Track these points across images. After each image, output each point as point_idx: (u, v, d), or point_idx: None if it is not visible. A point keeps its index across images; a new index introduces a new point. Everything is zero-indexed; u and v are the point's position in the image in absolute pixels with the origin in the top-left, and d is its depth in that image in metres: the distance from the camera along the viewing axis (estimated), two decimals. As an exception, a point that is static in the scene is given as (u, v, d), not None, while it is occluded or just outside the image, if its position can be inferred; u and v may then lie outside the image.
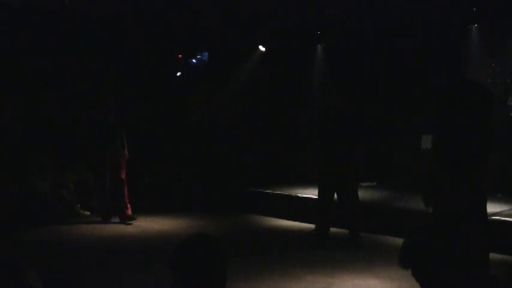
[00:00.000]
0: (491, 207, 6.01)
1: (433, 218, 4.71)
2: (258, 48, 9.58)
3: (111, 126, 7.80)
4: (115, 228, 7.49)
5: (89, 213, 8.23)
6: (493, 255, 4.77)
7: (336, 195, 6.78)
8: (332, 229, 6.94)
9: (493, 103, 4.59)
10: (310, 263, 5.80)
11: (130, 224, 7.71)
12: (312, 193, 7.71)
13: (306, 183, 8.93)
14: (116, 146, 7.81)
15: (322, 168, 6.87)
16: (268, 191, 8.96)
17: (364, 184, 8.57)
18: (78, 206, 8.27)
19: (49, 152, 8.39)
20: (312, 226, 7.12)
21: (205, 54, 11.07)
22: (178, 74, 11.17)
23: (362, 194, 7.27)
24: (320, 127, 6.95)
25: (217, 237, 2.34)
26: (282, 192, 8.76)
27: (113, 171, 7.77)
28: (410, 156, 8.82)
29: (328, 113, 6.81)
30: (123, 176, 7.85)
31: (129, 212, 7.89)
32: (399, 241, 2.83)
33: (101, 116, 7.79)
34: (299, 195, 8.37)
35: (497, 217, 6.22)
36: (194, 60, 11.07)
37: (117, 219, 7.80)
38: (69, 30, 8.90)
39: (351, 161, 6.67)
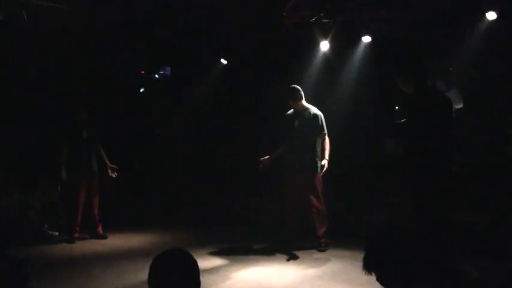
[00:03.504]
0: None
1: (398, 220, 4.87)
2: (220, 61, 9.63)
3: (84, 141, 7.73)
4: (84, 246, 7.42)
5: (57, 233, 8.08)
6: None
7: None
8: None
9: (452, 111, 4.81)
10: (279, 271, 5.91)
11: (104, 238, 7.75)
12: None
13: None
14: (90, 161, 7.75)
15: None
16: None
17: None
18: (46, 226, 8.14)
19: (15, 170, 8.25)
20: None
21: (167, 69, 11.08)
22: (142, 90, 11.14)
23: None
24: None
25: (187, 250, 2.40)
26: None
27: (86, 188, 7.71)
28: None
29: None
30: (96, 192, 7.81)
31: (100, 230, 7.87)
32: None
33: (74, 131, 7.71)
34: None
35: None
36: (157, 76, 11.07)
37: (87, 235, 7.78)
38: (33, 46, 8.78)
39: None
